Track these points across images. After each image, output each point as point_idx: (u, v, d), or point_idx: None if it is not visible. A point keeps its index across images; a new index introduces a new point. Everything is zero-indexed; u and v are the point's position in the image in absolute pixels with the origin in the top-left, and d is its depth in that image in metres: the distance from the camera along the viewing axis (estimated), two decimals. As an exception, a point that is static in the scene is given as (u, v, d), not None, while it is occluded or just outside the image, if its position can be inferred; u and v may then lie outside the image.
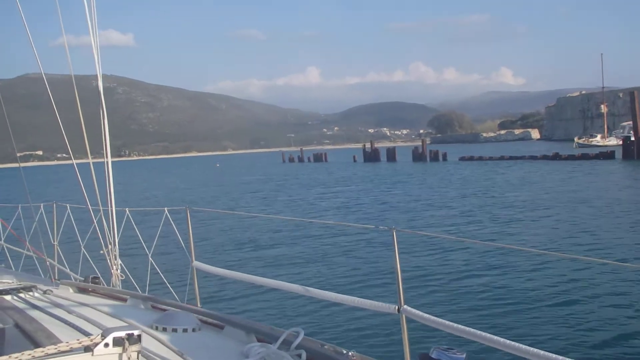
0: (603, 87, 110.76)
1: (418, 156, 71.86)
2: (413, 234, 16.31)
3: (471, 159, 63.64)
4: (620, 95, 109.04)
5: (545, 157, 55.56)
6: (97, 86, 4.39)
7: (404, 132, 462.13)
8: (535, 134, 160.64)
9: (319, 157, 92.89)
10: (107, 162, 4.22)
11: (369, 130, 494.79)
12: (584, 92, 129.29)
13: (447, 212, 23.55)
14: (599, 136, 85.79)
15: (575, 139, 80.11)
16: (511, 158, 59.14)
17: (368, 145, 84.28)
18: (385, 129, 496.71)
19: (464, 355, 1.85)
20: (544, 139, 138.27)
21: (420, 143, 75.07)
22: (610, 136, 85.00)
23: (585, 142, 79.06)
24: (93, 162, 4.31)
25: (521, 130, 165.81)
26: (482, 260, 12.84)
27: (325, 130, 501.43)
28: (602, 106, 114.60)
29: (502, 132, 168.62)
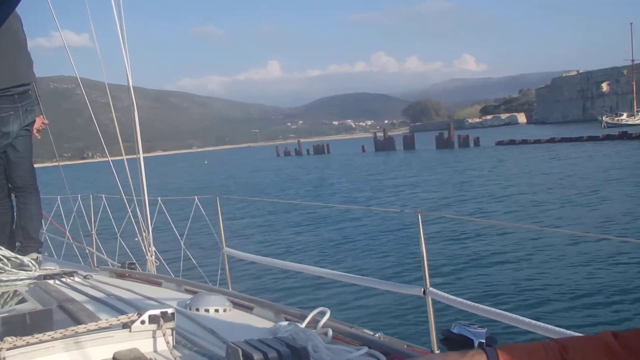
0: (633, 60, 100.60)
1: (443, 143, 64.46)
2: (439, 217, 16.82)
3: (512, 142, 56.57)
4: (624, 72, 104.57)
5: (609, 137, 48.90)
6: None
7: (369, 123, 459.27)
8: (521, 118, 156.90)
9: (320, 149, 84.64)
10: (140, 158, 4.45)
11: (334, 123, 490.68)
12: (581, 71, 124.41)
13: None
14: (625, 114, 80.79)
15: (604, 118, 74.78)
16: (563, 140, 52.20)
17: (380, 134, 76.65)
18: (349, 120, 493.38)
19: (485, 330, 1.85)
20: (536, 122, 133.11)
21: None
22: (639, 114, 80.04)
23: (616, 121, 73.52)
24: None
25: (507, 115, 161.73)
26: (511, 243, 12.28)
27: (289, 124, 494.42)
28: (604, 85, 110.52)
29: (489, 117, 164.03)
